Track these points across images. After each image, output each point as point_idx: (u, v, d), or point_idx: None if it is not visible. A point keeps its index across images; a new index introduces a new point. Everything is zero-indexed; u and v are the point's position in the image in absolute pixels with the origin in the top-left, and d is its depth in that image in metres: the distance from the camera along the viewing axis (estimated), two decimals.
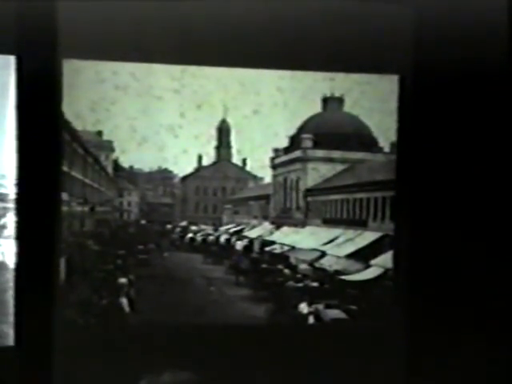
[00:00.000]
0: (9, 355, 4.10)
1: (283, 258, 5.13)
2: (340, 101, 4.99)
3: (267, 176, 5.24)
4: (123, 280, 4.59)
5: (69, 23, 4.10)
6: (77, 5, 4.29)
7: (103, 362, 4.19)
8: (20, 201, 4.10)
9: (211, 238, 5.16)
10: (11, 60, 4.10)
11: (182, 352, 4.40)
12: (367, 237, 5.06)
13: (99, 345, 4.31)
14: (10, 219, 4.28)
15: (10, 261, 4.27)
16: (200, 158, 5.04)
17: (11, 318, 4.11)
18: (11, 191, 4.19)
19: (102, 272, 4.56)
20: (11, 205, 4.15)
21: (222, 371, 4.39)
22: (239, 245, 5.16)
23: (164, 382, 4.30)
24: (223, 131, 5.01)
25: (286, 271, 5.01)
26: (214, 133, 4.94)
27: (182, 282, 4.79)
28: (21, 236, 4.13)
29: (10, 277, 4.14)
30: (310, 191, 5.28)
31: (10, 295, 4.11)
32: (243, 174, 5.18)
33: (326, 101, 4.99)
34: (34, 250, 4.12)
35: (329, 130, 5.11)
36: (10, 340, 4.10)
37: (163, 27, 4.39)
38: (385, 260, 4.88)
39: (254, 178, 5.21)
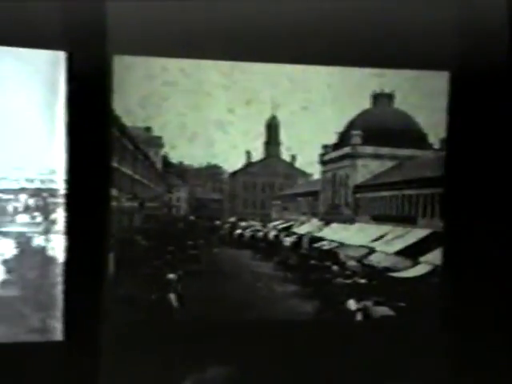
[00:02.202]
0: (57, 350, 4.13)
1: (332, 254, 5.00)
2: (390, 97, 4.84)
3: (316, 172, 5.12)
4: (172, 276, 4.48)
5: (119, 19, 4.12)
6: (127, 1, 4.18)
7: (150, 357, 4.23)
8: (70, 196, 4.17)
9: (260, 234, 5.05)
10: (61, 56, 4.12)
11: (230, 348, 4.29)
12: (416, 234, 4.91)
13: (147, 340, 4.30)
14: (60, 214, 4.21)
15: (60, 256, 4.19)
16: (249, 153, 4.92)
17: (60, 313, 4.13)
18: (61, 187, 4.19)
19: (151, 267, 4.46)
20: (61, 200, 4.19)
21: (269, 367, 4.29)
22: (288, 241, 5.05)
23: (211, 378, 4.21)
24: (272, 127, 4.91)
25: (335, 268, 4.88)
26: (262, 129, 4.83)
27: (231, 278, 4.68)
28: (70, 231, 4.19)
29: (60, 271, 4.15)
30: (359, 188, 5.16)
31: (59, 290, 4.12)
32: (292, 170, 5.06)
33: (375, 97, 4.86)
34: (83, 246, 4.15)
35: (378, 127, 4.97)
36: (59, 335, 4.13)
37: (213, 23, 4.34)
38: (434, 257, 4.73)
39: (303, 174, 5.08)
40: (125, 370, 4.15)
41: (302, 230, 5.08)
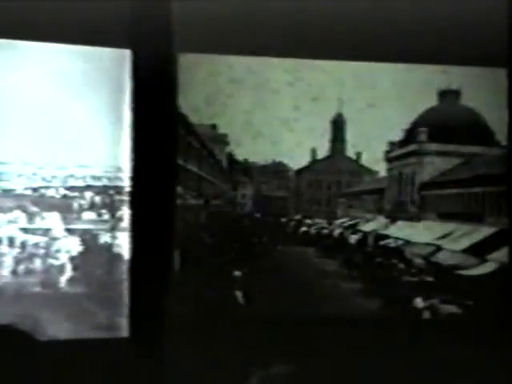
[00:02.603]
0: (123, 346, 4.08)
1: (398, 252, 4.86)
2: (456, 94, 4.69)
3: (382, 170, 4.98)
4: (238, 273, 4.38)
5: (184, 17, 4.05)
6: None
7: (215, 355, 4.15)
8: (136, 194, 4.09)
9: (325, 231, 4.93)
10: (127, 54, 4.06)
11: (294, 345, 4.22)
12: (483, 231, 4.74)
13: (212, 337, 4.23)
14: (126, 212, 4.16)
15: (126, 253, 4.13)
16: (314, 151, 4.81)
17: (126, 310, 4.06)
18: (127, 184, 4.13)
19: (216, 265, 4.36)
20: (127, 198, 4.13)
21: (334, 366, 4.17)
22: (353, 238, 4.92)
23: (276, 376, 4.11)
24: (338, 124, 4.79)
25: (401, 265, 4.73)
26: (328, 126, 4.72)
27: (296, 275, 4.58)
28: (136, 229, 4.11)
29: (126, 269, 4.11)
30: (425, 185, 5.00)
31: (125, 287, 4.07)
32: (357, 168, 4.94)
33: (442, 94, 4.71)
34: (148, 243, 4.08)
35: (445, 124, 4.82)
36: (125, 331, 4.08)
37: (279, 20, 4.27)
38: (501, 255, 4.56)
39: (369, 171, 4.95)
40: (190, 367, 4.06)
41: (367, 227, 4.94)
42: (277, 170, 4.70)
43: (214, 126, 4.45)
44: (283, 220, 4.78)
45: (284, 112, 4.57)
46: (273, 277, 4.51)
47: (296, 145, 4.62)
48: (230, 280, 4.42)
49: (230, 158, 4.55)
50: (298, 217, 4.85)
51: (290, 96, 4.56)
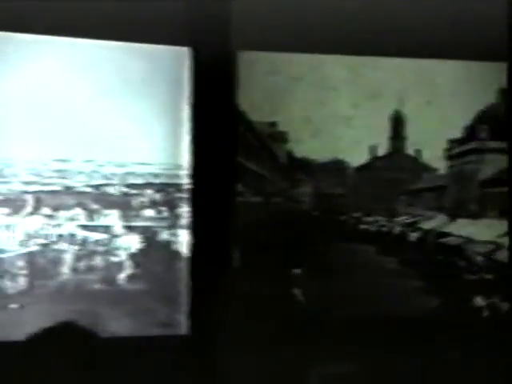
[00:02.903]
0: (183, 344, 4.06)
1: (458, 250, 4.71)
2: None
3: (442, 167, 4.84)
4: (297, 270, 4.29)
5: (243, 14, 4.02)
6: None
7: (274, 352, 4.12)
8: (195, 191, 4.08)
9: (384, 229, 4.80)
10: (186, 52, 4.07)
11: (354, 343, 4.22)
12: None
13: (271, 334, 4.18)
14: (186, 209, 4.11)
15: (185, 250, 4.09)
16: (373, 148, 4.69)
17: (185, 307, 4.06)
18: (187, 182, 4.09)
19: (276, 262, 4.28)
20: (187, 195, 4.09)
21: (393, 364, 4.07)
22: (413, 236, 4.79)
23: (335, 374, 4.02)
24: (397, 122, 4.67)
25: (461, 263, 4.59)
26: (387, 123, 4.60)
27: (355, 273, 4.47)
28: (196, 226, 4.10)
29: (185, 266, 4.10)
30: (486, 182, 4.85)
31: (184, 284, 4.06)
32: (417, 165, 4.81)
33: (502, 91, 4.56)
34: (208, 240, 4.06)
35: (505, 121, 4.66)
36: (184, 329, 4.07)
37: (338, 18, 4.21)
38: None
39: (429, 169, 4.81)
40: (248, 364, 4.02)
41: (427, 225, 4.79)
42: (336, 167, 4.59)
43: (273, 124, 4.37)
44: (342, 217, 4.65)
45: (343, 109, 4.49)
46: (332, 274, 4.41)
47: (355, 142, 4.54)
48: (290, 278, 4.32)
49: (290, 155, 4.45)
50: (357, 214, 4.73)
51: (349, 93, 4.49)
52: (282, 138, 4.42)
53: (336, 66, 4.46)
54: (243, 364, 3.99)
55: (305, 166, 4.52)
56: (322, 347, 4.11)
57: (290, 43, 4.24)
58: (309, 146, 4.44)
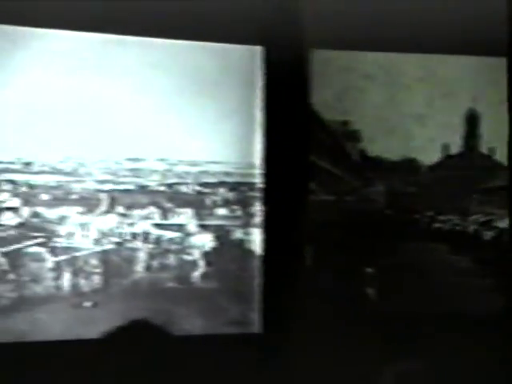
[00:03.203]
0: (255, 342, 3.94)
1: None
2: None
3: None
4: (369, 269, 4.10)
5: (315, 13, 3.89)
6: None
7: (347, 351, 3.96)
8: (268, 190, 3.94)
9: (458, 227, 4.57)
10: (258, 51, 3.94)
11: (426, 342, 4.03)
12: None
13: (343, 333, 4.03)
14: (258, 208, 3.98)
15: (258, 249, 3.95)
16: (446, 147, 4.47)
17: (258, 306, 3.94)
18: (260, 181, 3.96)
19: (348, 261, 4.10)
20: (259, 194, 3.95)
21: (465, 363, 3.93)
22: (487, 235, 4.54)
23: (408, 372, 3.82)
24: (471, 120, 4.45)
25: None
26: (460, 122, 4.38)
27: (428, 272, 4.29)
28: (268, 225, 3.96)
29: (258, 265, 3.96)
30: None
31: (257, 283, 3.93)
32: (491, 164, 4.57)
33: None
34: (281, 239, 3.93)
35: None
36: (257, 327, 3.94)
37: (409, 16, 4.09)
38: None
39: (503, 167, 4.57)
40: (321, 362, 3.83)
41: (502, 223, 4.53)
42: (409, 166, 4.38)
43: (346, 123, 4.19)
44: (415, 216, 4.43)
45: (416, 108, 4.32)
46: (405, 273, 4.23)
47: (428, 140, 4.36)
48: (362, 276, 4.14)
49: (362, 154, 4.27)
50: (430, 213, 4.49)
51: (422, 91, 4.31)
52: (355, 136, 4.24)
53: (408, 65, 4.30)
54: (315, 362, 3.82)
55: (377, 165, 4.33)
56: (394, 346, 3.89)
57: (363, 41, 4.08)
58: (382, 145, 4.27)
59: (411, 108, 4.29)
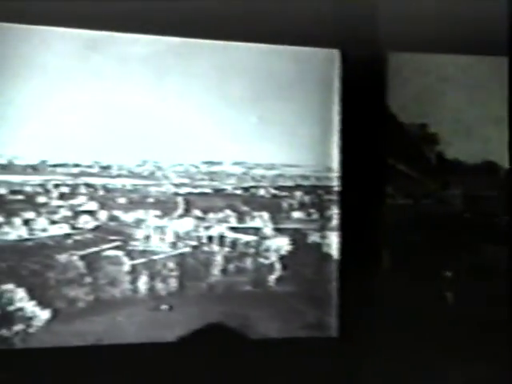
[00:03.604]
0: (332, 346, 3.71)
1: None
2: None
3: None
4: (448, 273, 3.83)
5: (392, 16, 3.74)
6: None
7: (423, 355, 3.80)
8: (345, 193, 3.74)
9: None
10: (336, 54, 3.70)
11: (501, 346, 3.86)
12: None
13: (420, 337, 3.83)
14: (335, 211, 3.73)
15: (335, 252, 3.69)
16: None
17: (335, 310, 3.71)
18: (336, 184, 3.71)
19: (426, 265, 3.85)
20: (336, 197, 3.69)
21: None
22: None
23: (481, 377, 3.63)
24: None
25: None
26: None
27: (506, 276, 3.96)
28: (345, 228, 3.76)
29: (334, 268, 3.72)
30: None
31: (334, 287, 3.69)
32: None
33: None
34: (357, 242, 3.73)
35: None
36: (334, 331, 3.70)
37: (486, 19, 3.94)
38: None
39: None
40: (397, 367, 3.66)
41: None
42: (487, 169, 4.08)
43: (423, 125, 3.92)
44: (494, 220, 4.12)
45: (495, 110, 4.02)
46: (484, 277, 3.96)
47: (507, 143, 4.04)
48: (440, 280, 3.88)
49: (440, 157, 3.98)
50: (508, 217, 4.17)
51: (500, 93, 4.01)
52: (432, 139, 3.97)
53: (486, 66, 4.00)
54: (392, 366, 3.65)
55: (455, 168, 4.05)
56: (471, 350, 3.75)
57: (439, 44, 3.84)
58: (460, 148, 4.00)
59: (489, 110, 4.00)
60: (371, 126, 3.74)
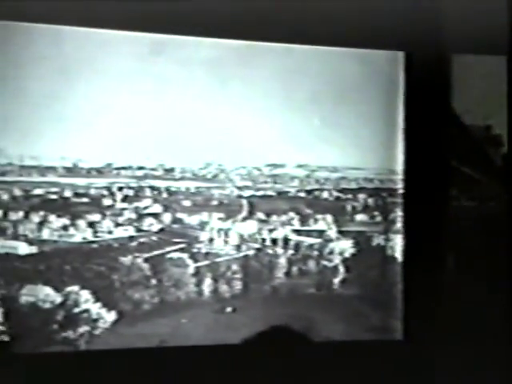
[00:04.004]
0: (397, 349, 3.47)
1: None
2: None
3: None
4: None
5: (456, 17, 3.47)
6: None
7: (489, 358, 3.52)
8: (409, 196, 3.51)
9: None
10: (400, 56, 3.49)
11: None
12: None
13: (486, 340, 3.58)
14: (399, 214, 3.51)
15: (399, 255, 3.47)
16: None
17: (399, 313, 3.49)
18: (400, 186, 3.49)
19: (490, 267, 3.57)
20: (400, 200, 3.47)
21: None
22: None
23: None
24: None
25: None
26: None
27: None
28: (409, 231, 3.52)
29: (399, 271, 3.49)
30: None
31: (398, 289, 3.47)
32: None
33: None
34: (422, 245, 3.48)
35: None
36: (399, 334, 3.48)
37: None
38: None
39: None
40: (463, 370, 3.39)
41: None
42: None
43: (488, 127, 3.64)
44: None
45: None
46: None
47: None
48: (505, 283, 3.59)
49: (505, 159, 3.68)
50: None
51: None
52: (497, 141, 3.72)
53: None
54: (457, 369, 3.38)
55: None
56: None
57: (502, 45, 3.57)
58: None
59: None
60: (435, 128, 3.52)
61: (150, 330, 3.18)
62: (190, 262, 3.26)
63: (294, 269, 3.41)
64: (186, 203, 3.28)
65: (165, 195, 3.26)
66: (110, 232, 3.16)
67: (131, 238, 3.19)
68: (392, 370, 3.35)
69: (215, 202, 3.32)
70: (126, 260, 3.16)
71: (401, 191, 3.51)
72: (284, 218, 3.41)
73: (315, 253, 3.44)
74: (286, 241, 3.41)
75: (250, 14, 3.21)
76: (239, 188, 3.35)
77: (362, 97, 3.45)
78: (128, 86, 3.14)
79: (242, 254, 3.34)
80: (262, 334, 3.16)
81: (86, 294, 3.08)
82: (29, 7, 2.88)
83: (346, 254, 3.47)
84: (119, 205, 3.19)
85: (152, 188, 3.24)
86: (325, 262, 3.45)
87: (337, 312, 3.44)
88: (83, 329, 3.08)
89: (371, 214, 3.54)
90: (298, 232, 3.44)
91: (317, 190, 3.49)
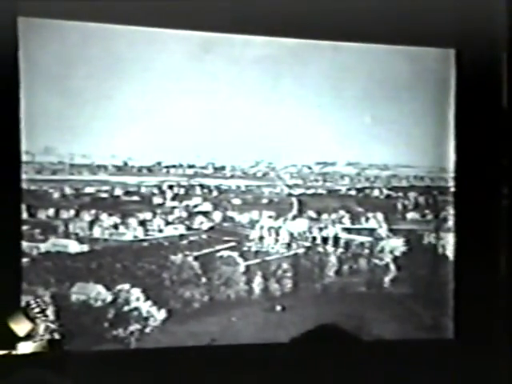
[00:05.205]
0: (448, 348, 3.12)
1: None
2: None
3: None
4: None
5: (507, 15, 3.15)
6: None
7: None
8: (460, 194, 3.18)
9: None
10: (451, 54, 3.16)
11: None
12: None
13: None
14: (450, 212, 3.20)
15: (450, 254, 3.18)
16: None
17: (451, 311, 3.16)
18: (451, 185, 3.18)
19: None
20: (451, 198, 3.18)
21: None
22: None
23: None
24: None
25: None
26: None
27: None
28: (461, 229, 3.19)
29: (451, 270, 3.16)
30: None
31: (450, 288, 3.15)
32: None
33: None
34: (473, 244, 3.15)
35: None
36: (450, 333, 3.16)
37: None
38: None
39: None
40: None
41: None
42: None
43: None
44: None
45: None
46: None
47: None
48: None
49: None
50: None
51: None
52: None
53: None
54: (507, 367, 3.04)
55: None
56: None
57: None
58: None
59: None
60: (486, 126, 3.21)
61: (201, 328, 2.94)
62: (240, 260, 3.00)
63: (345, 267, 3.13)
64: (236, 201, 3.03)
65: (215, 193, 3.00)
66: (160, 230, 2.92)
67: (181, 236, 2.94)
68: (444, 369, 3.06)
69: (265, 201, 3.06)
70: (177, 258, 2.91)
71: (452, 189, 3.22)
72: (334, 216, 3.13)
73: (366, 251, 3.16)
74: (337, 239, 3.13)
75: (302, 12, 2.92)
76: (289, 186, 3.08)
77: (412, 95, 3.18)
78: (178, 84, 2.88)
79: (292, 253, 3.07)
80: (311, 332, 2.84)
81: (136, 293, 2.86)
82: (79, 7, 2.65)
83: (397, 253, 3.18)
84: (169, 203, 2.95)
85: (202, 186, 2.98)
86: (375, 261, 3.17)
87: (387, 311, 3.16)
88: (134, 327, 2.86)
89: (422, 213, 3.25)
90: (348, 230, 3.16)
91: (367, 188, 3.20)
